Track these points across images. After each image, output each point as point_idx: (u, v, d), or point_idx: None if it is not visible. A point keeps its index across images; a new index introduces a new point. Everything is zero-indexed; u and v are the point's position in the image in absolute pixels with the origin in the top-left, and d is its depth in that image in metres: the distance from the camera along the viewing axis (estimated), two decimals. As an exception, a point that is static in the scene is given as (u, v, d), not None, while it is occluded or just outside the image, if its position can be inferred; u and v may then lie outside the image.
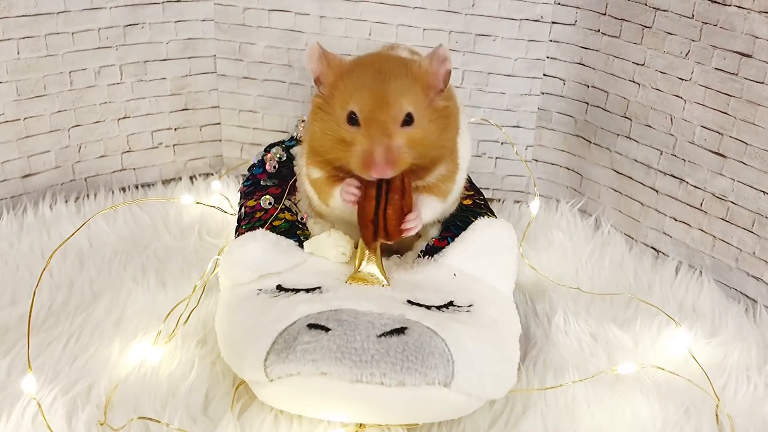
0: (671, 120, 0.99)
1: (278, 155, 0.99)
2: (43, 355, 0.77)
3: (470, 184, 0.99)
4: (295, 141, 1.04)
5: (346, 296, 0.73)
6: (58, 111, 1.08)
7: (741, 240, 0.94)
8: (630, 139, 1.05)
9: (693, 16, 0.93)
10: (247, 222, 0.89)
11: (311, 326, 0.67)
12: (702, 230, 0.98)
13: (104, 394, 0.72)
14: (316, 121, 0.78)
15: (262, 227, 0.85)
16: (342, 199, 0.79)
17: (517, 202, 1.18)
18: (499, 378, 0.70)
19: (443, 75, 0.78)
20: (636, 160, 1.05)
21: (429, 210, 0.82)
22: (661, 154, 1.01)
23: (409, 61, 0.79)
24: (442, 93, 0.78)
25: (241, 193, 0.98)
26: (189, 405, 0.72)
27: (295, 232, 0.85)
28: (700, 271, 0.98)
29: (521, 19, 1.08)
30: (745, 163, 0.92)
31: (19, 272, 0.92)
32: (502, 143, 1.16)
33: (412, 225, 0.77)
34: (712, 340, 0.85)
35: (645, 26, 0.99)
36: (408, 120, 0.74)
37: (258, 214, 0.89)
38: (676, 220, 1.01)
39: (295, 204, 0.92)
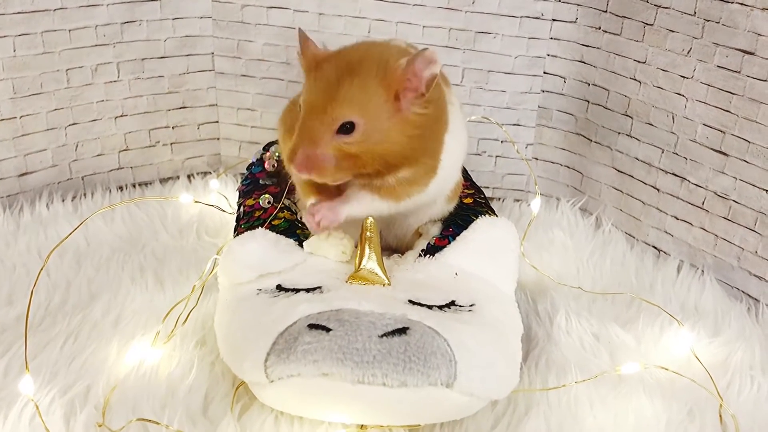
0: (673, 118, 0.99)
1: (277, 154, 0.98)
2: (40, 355, 0.76)
3: (470, 183, 0.99)
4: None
5: (346, 296, 0.72)
6: (55, 109, 1.07)
7: (743, 239, 0.94)
8: (631, 137, 1.04)
9: (695, 13, 0.93)
10: (246, 221, 0.88)
11: (312, 326, 0.66)
12: (704, 229, 0.98)
13: (102, 396, 0.71)
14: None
15: (262, 226, 0.84)
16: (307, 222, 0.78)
17: (518, 200, 1.17)
18: (502, 378, 0.70)
19: (427, 79, 0.72)
20: (637, 159, 1.04)
21: (357, 206, 0.77)
22: (663, 152, 1.01)
23: (386, 60, 0.73)
24: (422, 97, 0.74)
25: (239, 191, 0.97)
26: (188, 406, 0.71)
27: (295, 231, 0.84)
28: (702, 270, 0.97)
29: (521, 17, 1.07)
30: (747, 162, 0.91)
31: (16, 272, 0.91)
32: (502, 141, 1.15)
33: (318, 217, 0.76)
34: (715, 339, 0.84)
35: (646, 23, 0.98)
36: (347, 128, 0.71)
37: (257, 213, 0.89)
38: (677, 219, 1.01)
39: (295, 203, 0.91)
